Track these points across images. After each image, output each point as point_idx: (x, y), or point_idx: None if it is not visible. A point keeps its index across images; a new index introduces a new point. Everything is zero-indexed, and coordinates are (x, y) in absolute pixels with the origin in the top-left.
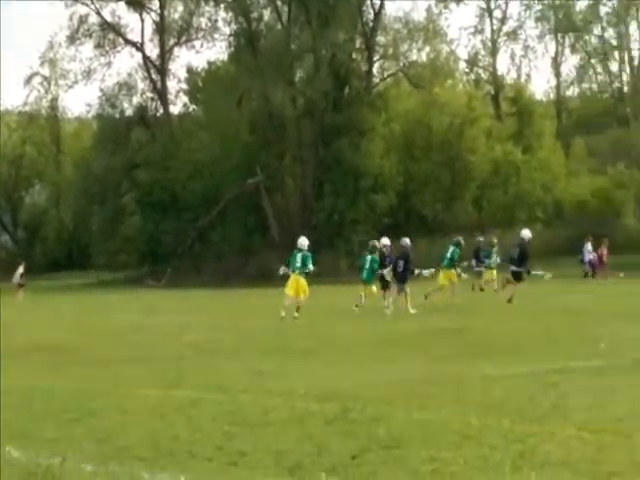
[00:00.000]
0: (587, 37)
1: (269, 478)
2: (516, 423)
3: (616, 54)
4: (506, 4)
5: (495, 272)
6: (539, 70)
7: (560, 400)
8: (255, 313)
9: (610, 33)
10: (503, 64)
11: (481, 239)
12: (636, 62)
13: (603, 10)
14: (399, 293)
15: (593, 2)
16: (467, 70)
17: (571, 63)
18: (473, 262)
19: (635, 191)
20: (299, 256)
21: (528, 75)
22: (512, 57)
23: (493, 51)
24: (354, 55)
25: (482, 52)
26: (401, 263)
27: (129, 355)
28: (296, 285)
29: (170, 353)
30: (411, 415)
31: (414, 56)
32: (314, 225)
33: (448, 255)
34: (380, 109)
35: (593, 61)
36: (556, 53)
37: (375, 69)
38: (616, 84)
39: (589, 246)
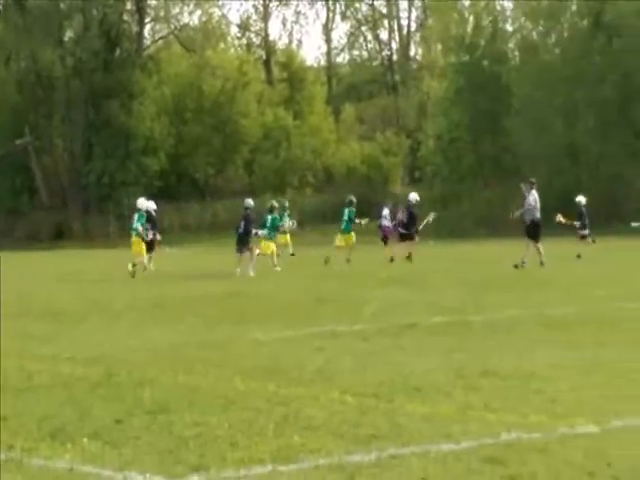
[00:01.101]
0: (357, 4)
1: (30, 442)
2: (282, 387)
3: (385, 22)
4: None
5: (288, 236)
6: (310, 36)
7: (326, 364)
8: (27, 276)
9: (380, 1)
10: (275, 29)
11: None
12: (405, 31)
13: None
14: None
15: None
16: (239, 34)
17: (342, 30)
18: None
19: (403, 158)
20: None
21: (299, 41)
22: (284, 22)
23: (265, 16)
24: (125, 17)
25: (254, 17)
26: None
27: None
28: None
29: None
30: (177, 379)
31: (186, 19)
32: (84, 187)
33: (345, 217)
34: (151, 72)
35: (363, 29)
36: (327, 19)
37: (146, 31)
38: (385, 52)
39: (386, 211)
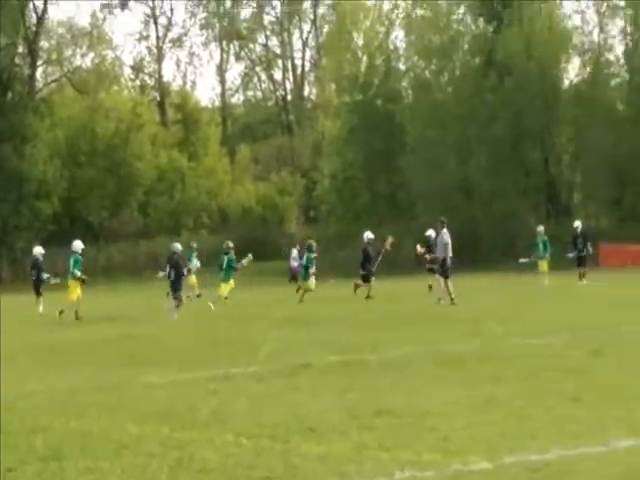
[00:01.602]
0: (251, 45)
1: None
2: (176, 430)
3: (280, 62)
4: (171, 11)
5: (195, 277)
6: (204, 77)
7: (220, 407)
8: None
9: (274, 42)
10: (169, 71)
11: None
12: (299, 70)
13: (267, 19)
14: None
15: (257, 11)
16: (132, 76)
17: (236, 71)
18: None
19: (298, 197)
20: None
21: (194, 82)
22: (178, 64)
23: (159, 57)
24: (17, 59)
25: (147, 58)
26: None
27: None
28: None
29: None
30: (70, 425)
31: (78, 61)
32: None
33: (224, 265)
34: (44, 115)
35: (257, 69)
36: (221, 60)
37: (39, 74)
38: (280, 92)
39: (294, 252)
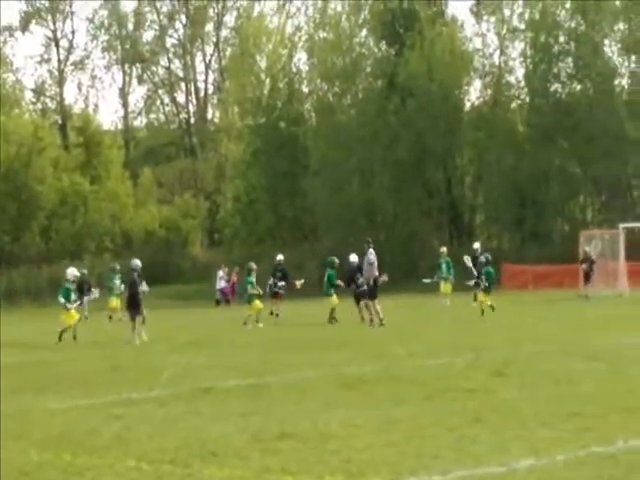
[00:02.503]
0: (154, 68)
1: None
2: (77, 456)
3: (182, 85)
4: (72, 34)
5: (118, 300)
6: (107, 100)
7: (122, 432)
8: None
9: (176, 64)
10: (70, 94)
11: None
12: (202, 93)
13: (169, 41)
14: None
15: (159, 33)
16: (34, 99)
17: (139, 93)
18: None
19: (202, 220)
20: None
21: (96, 105)
22: (79, 87)
23: (60, 80)
24: None
25: (49, 81)
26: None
27: None
28: None
29: None
30: None
31: None
32: None
33: (246, 286)
34: None
35: (160, 92)
36: (123, 83)
37: None
38: (183, 115)
39: (221, 274)
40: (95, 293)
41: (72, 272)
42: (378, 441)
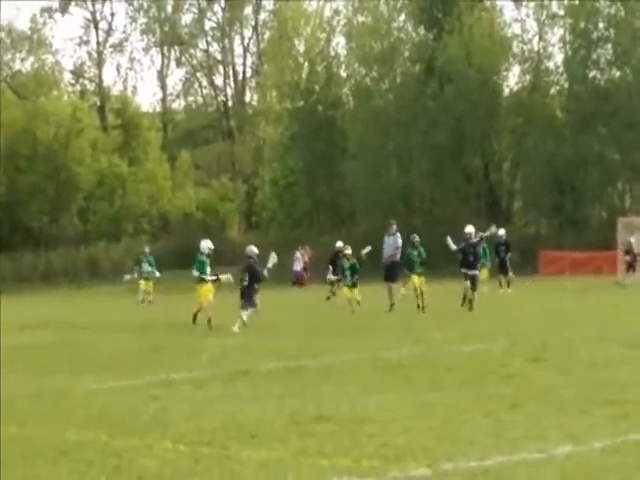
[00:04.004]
0: (192, 51)
1: None
2: (115, 437)
3: (221, 68)
4: (112, 16)
5: (150, 282)
6: (145, 82)
7: (160, 413)
8: None
9: (215, 47)
10: (109, 76)
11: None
12: (240, 76)
13: (208, 24)
14: None
15: (198, 16)
16: (73, 81)
17: (177, 76)
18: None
19: (239, 204)
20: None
21: (134, 87)
22: (118, 69)
23: (99, 62)
24: None
25: (88, 63)
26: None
27: None
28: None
29: None
30: (8, 431)
31: (18, 66)
32: None
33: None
34: None
35: (198, 74)
36: (162, 66)
37: None
38: (221, 98)
39: (298, 255)
40: (156, 273)
41: (206, 245)
42: (415, 426)
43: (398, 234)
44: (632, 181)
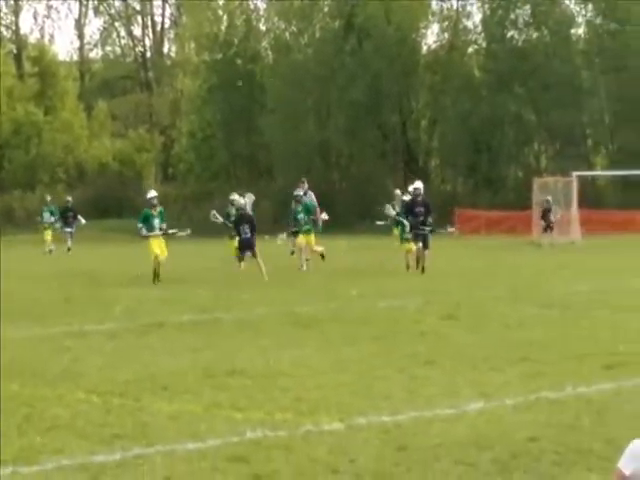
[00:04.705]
0: (111, 0)
1: None
2: (26, 387)
3: (139, 18)
4: None
5: (50, 232)
6: (63, 31)
7: (72, 363)
8: None
9: None
10: (26, 23)
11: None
12: (158, 27)
13: None
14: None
15: None
16: None
17: (95, 25)
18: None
19: (156, 155)
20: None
21: (51, 36)
22: (35, 16)
23: (16, 9)
24: None
25: (4, 10)
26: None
27: None
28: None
29: None
30: None
31: None
32: None
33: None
34: None
35: (117, 24)
36: (80, 14)
37: None
38: (139, 48)
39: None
40: (82, 220)
41: (152, 194)
42: (329, 381)
43: (311, 192)
44: (548, 142)
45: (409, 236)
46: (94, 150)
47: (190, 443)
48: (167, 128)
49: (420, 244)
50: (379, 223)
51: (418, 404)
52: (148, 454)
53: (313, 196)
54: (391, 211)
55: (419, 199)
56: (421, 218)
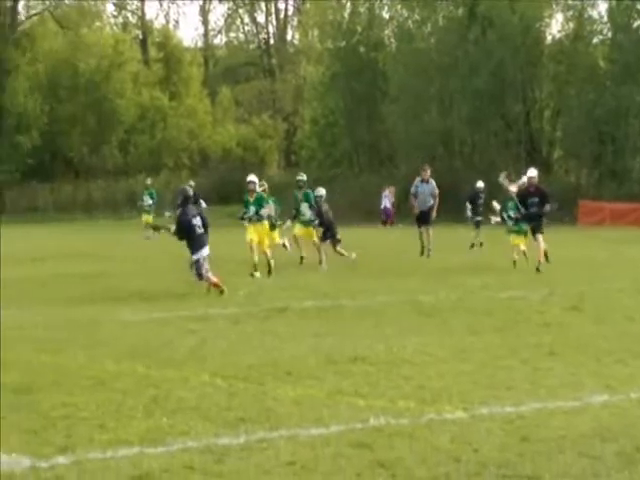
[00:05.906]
0: None
1: None
2: (152, 369)
3: (263, 5)
4: None
5: (151, 216)
6: (187, 17)
7: (197, 347)
8: None
9: None
10: (152, 9)
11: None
12: (282, 14)
13: None
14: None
15: None
16: (115, 13)
17: (219, 12)
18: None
19: (279, 141)
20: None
21: (176, 21)
22: (161, 2)
23: None
24: None
25: None
26: None
27: None
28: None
29: None
30: (44, 360)
31: None
32: None
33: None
34: (25, 48)
35: (241, 11)
36: (204, 1)
37: (20, 7)
38: (263, 35)
39: (386, 192)
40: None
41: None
42: (451, 370)
43: (433, 180)
44: None
45: (515, 228)
46: (218, 136)
47: (313, 428)
48: (290, 115)
49: (538, 235)
50: (493, 220)
51: (541, 395)
52: (272, 438)
53: (434, 183)
54: (496, 206)
55: (532, 189)
56: (534, 209)
